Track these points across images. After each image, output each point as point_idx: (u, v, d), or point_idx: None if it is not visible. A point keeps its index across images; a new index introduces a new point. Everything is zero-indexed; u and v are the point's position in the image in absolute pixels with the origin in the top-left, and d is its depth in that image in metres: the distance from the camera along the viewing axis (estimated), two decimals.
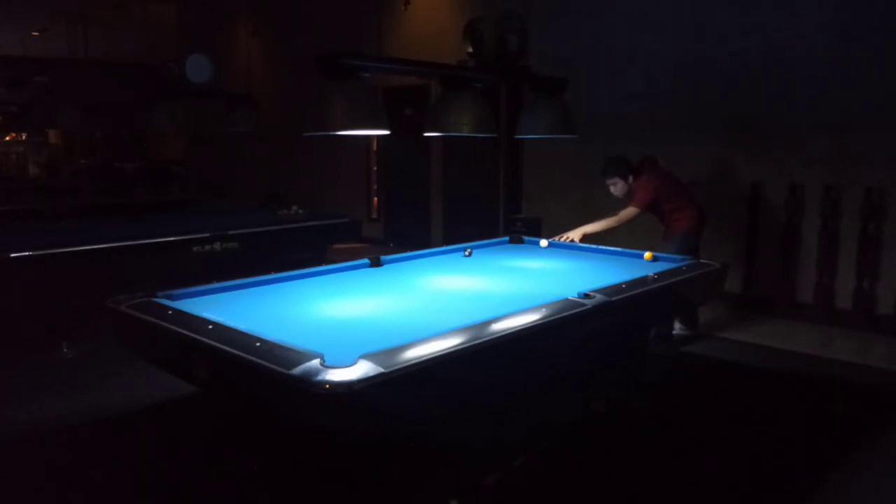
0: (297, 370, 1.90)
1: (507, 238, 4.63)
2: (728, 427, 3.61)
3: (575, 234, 4.60)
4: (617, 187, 4.94)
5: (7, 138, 16.75)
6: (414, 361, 2.00)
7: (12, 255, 4.11)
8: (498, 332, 2.30)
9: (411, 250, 4.06)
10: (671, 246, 4.68)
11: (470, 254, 4.02)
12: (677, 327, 5.02)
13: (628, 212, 4.76)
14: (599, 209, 6.69)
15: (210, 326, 2.33)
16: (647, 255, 3.88)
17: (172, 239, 4.85)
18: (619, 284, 3.00)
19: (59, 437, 3.44)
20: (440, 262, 3.88)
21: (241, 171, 11.39)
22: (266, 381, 2.02)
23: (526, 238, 4.61)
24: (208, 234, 4.99)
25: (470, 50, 3.49)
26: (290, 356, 1.99)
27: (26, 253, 4.16)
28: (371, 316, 2.73)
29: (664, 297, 3.27)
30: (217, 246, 5.01)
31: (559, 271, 3.70)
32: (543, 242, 4.40)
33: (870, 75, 5.21)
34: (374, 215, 9.48)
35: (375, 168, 9.49)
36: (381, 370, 1.91)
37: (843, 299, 5.45)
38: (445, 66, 3.56)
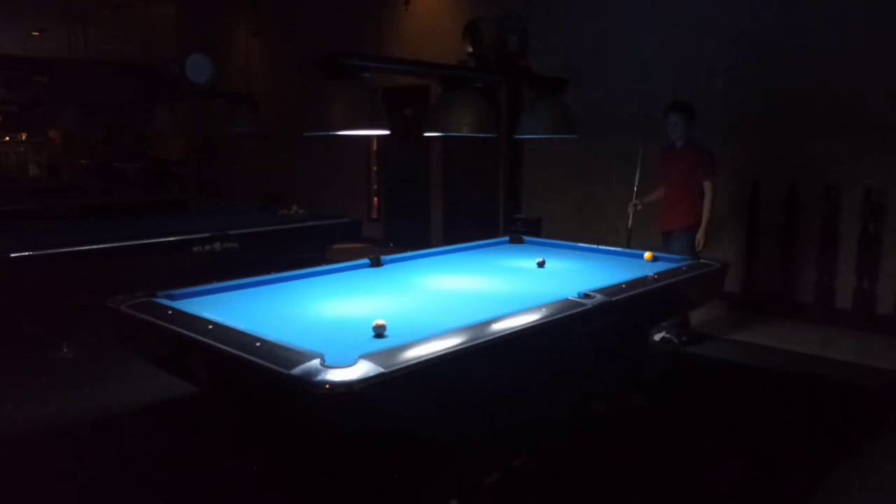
0: (297, 370, 1.90)
1: (507, 238, 4.63)
2: (728, 427, 3.61)
3: (701, 237, 4.71)
4: (677, 126, 4.79)
5: (7, 138, 16.74)
6: (414, 361, 2.00)
7: (12, 255, 4.11)
8: (498, 332, 2.31)
9: (411, 250, 4.06)
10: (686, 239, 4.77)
11: (542, 264, 3.73)
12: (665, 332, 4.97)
13: (710, 189, 4.73)
14: (600, 209, 6.73)
15: (210, 326, 2.33)
16: (647, 255, 3.88)
17: (172, 239, 4.85)
18: (619, 284, 3.01)
19: (59, 437, 3.44)
20: (440, 262, 3.88)
21: (241, 171, 11.39)
22: (266, 381, 2.02)
23: (526, 238, 4.61)
24: (208, 234, 4.99)
25: (470, 50, 3.49)
26: (290, 356, 1.99)
27: (26, 253, 4.16)
28: (371, 316, 2.71)
29: (664, 297, 3.27)
30: (217, 246, 5.01)
31: (559, 271, 3.70)
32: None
33: (870, 75, 5.21)
34: (374, 215, 9.47)
35: (375, 168, 9.49)
36: (381, 370, 1.91)
37: (843, 299, 5.45)
38: (445, 66, 3.56)
